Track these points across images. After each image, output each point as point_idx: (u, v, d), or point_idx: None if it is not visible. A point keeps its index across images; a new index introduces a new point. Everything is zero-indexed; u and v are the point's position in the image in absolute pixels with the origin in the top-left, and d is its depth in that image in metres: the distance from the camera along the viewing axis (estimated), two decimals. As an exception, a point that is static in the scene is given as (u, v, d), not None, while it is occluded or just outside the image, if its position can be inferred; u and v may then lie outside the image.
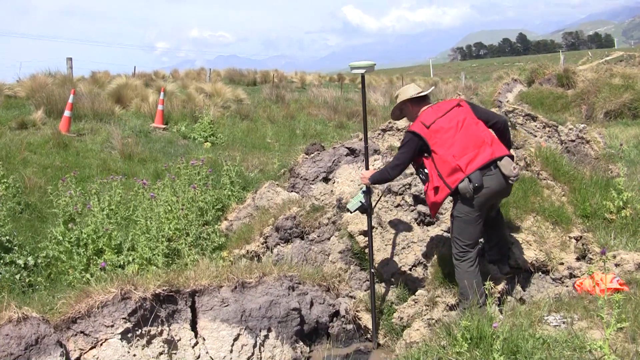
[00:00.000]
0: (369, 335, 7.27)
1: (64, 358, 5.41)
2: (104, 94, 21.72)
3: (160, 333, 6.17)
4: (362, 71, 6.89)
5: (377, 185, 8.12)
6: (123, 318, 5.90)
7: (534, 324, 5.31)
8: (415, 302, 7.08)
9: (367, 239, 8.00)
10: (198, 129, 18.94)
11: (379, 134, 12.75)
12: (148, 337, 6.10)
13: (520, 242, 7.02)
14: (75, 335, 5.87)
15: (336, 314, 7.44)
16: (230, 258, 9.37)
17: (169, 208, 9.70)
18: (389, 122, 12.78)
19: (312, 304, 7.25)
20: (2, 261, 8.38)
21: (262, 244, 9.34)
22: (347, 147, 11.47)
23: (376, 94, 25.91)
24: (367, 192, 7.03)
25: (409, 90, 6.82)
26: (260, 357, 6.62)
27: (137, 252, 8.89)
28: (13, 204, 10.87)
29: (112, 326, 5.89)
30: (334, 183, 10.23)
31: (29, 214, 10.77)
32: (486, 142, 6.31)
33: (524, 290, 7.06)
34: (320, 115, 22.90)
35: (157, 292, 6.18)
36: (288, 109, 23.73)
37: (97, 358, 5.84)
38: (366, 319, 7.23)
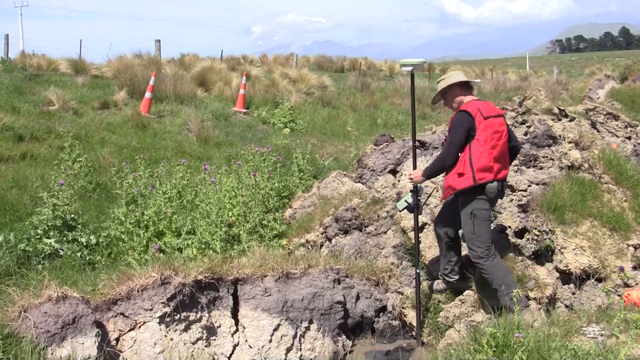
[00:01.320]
0: (413, 333, 7.12)
1: (100, 338, 5.47)
2: (188, 76, 22.03)
3: (199, 319, 6.18)
4: (410, 69, 6.80)
5: (429, 183, 7.97)
6: (162, 302, 5.94)
7: (570, 334, 5.06)
8: (462, 303, 6.89)
9: (419, 234, 7.85)
10: (278, 114, 18.98)
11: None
12: (186, 322, 6.12)
13: (574, 247, 6.73)
14: (115, 316, 5.94)
15: (383, 309, 7.31)
16: (290, 246, 9.34)
17: (231, 194, 9.73)
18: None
19: (358, 298, 7.15)
20: (65, 238, 8.57)
21: (322, 234, 9.27)
22: (417, 140, 11.27)
23: (464, 85, 25.40)
24: (415, 192, 6.88)
25: (459, 75, 6.82)
26: (300, 348, 6.56)
27: (196, 236, 8.97)
28: (85, 183, 11.12)
29: (151, 310, 5.94)
30: (401, 175, 10.06)
31: (98, 193, 11.00)
32: (508, 161, 6.68)
33: (574, 297, 6.76)
34: (404, 105, 22.63)
35: (198, 278, 6.19)
36: (372, 97, 23.54)
37: (135, 340, 5.90)
38: (411, 316, 7.08)
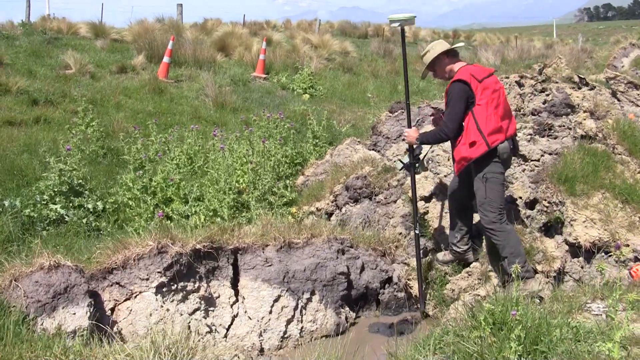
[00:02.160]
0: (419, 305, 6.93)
1: (92, 308, 5.34)
2: (208, 41, 21.81)
3: (197, 289, 6.04)
4: (398, 24, 6.61)
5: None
6: (158, 272, 5.80)
7: (573, 310, 4.84)
8: (469, 275, 6.69)
9: (427, 205, 7.63)
10: (297, 80, 18.74)
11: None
12: (184, 292, 5.98)
13: (584, 219, 6.46)
14: (111, 285, 5.81)
15: (389, 280, 7.12)
16: (299, 214, 9.17)
17: (242, 160, 9.55)
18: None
19: (363, 269, 6.96)
20: (71, 204, 8.45)
21: (332, 202, 9.08)
22: (433, 107, 10.99)
23: (487, 52, 24.91)
24: (411, 151, 6.68)
25: (443, 44, 6.65)
26: (301, 320, 6.41)
27: (204, 203, 8.82)
28: (96, 148, 10.99)
29: (147, 279, 5.80)
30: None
31: (110, 158, 10.87)
32: (512, 115, 6.51)
33: (584, 271, 6.52)
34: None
35: (196, 247, 6.03)
36: (393, 64, 23.16)
37: (131, 310, 5.78)
38: (417, 288, 6.88)
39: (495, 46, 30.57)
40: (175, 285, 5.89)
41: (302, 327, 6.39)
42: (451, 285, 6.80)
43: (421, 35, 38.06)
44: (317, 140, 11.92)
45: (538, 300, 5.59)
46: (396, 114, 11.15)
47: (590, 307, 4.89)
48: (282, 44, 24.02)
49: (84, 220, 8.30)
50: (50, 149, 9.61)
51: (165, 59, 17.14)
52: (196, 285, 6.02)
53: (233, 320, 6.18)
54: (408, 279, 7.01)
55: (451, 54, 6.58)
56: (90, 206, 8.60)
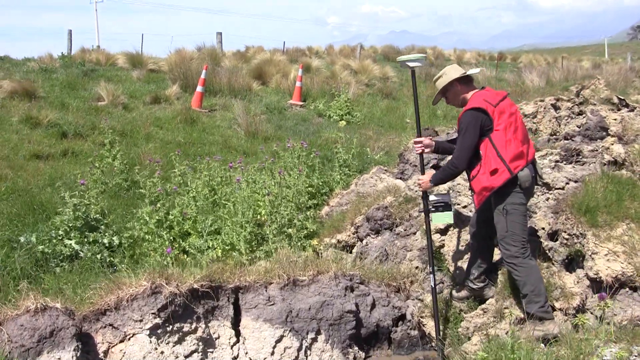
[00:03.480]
0: (433, 344, 6.56)
1: (78, 353, 5.13)
2: (245, 69, 21.78)
3: (195, 330, 5.80)
4: (412, 65, 6.29)
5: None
6: (152, 313, 5.58)
7: (584, 356, 4.45)
8: (484, 312, 6.31)
9: (443, 237, 7.31)
10: (334, 106, 18.54)
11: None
12: (180, 333, 5.75)
13: (606, 252, 6.03)
14: (104, 327, 5.62)
15: (402, 317, 6.78)
16: (320, 247, 8.91)
17: (263, 192, 9.34)
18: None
19: (373, 306, 6.63)
20: (86, 240, 8.33)
21: (353, 234, 8.81)
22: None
23: (532, 74, 24.38)
24: (425, 197, 6.35)
25: (456, 70, 6.30)
26: (306, 361, 6.11)
27: (220, 237, 8.62)
28: (120, 180, 10.90)
29: (141, 321, 5.58)
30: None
31: (133, 191, 10.76)
32: (529, 138, 6.17)
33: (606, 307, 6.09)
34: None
35: (194, 287, 5.79)
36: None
37: (124, 353, 5.56)
38: (430, 326, 6.53)
39: (541, 67, 29.98)
40: (171, 327, 5.67)
41: (307, 369, 6.10)
42: (466, 322, 6.43)
43: (466, 58, 37.65)
44: (346, 169, 11.67)
45: (543, 345, 5.21)
46: (438, 138, 10.83)
47: (602, 353, 4.49)
48: (321, 70, 23.90)
49: (99, 256, 8.15)
50: (67, 183, 9.52)
51: (199, 89, 17.11)
52: (193, 326, 5.78)
53: (233, 362, 5.93)
54: (421, 316, 6.66)
55: (465, 81, 6.27)
56: (105, 241, 8.46)
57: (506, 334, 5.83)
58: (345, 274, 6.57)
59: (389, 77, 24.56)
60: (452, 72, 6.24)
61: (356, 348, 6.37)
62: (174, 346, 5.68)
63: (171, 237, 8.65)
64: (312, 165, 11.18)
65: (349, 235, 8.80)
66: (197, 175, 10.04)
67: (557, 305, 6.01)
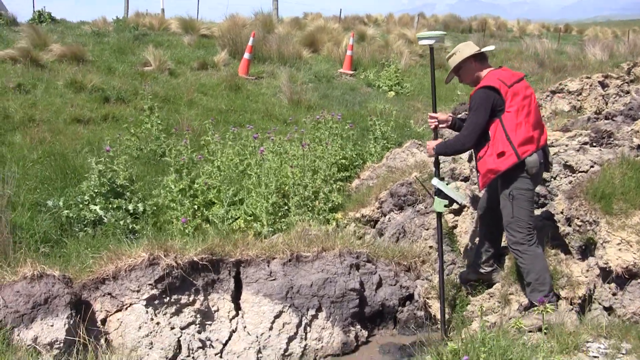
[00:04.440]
0: (439, 325, 6.43)
1: (72, 320, 5.19)
2: (298, 37, 21.66)
3: (193, 302, 5.80)
4: (431, 42, 6.02)
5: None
6: (149, 284, 5.60)
7: (567, 350, 4.29)
8: (491, 297, 6.16)
9: (457, 218, 7.16)
10: (384, 77, 18.31)
11: (548, 95, 11.52)
12: (177, 305, 5.75)
13: (619, 242, 5.78)
14: (103, 296, 5.66)
15: (409, 297, 6.66)
16: (344, 221, 8.84)
17: (293, 163, 9.29)
18: (560, 84, 11.50)
19: (380, 285, 6.53)
20: (110, 206, 8.42)
21: (378, 208, 8.70)
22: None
23: (595, 48, 23.65)
24: (437, 166, 6.18)
25: (470, 47, 6.06)
26: (305, 338, 6.06)
27: (241, 208, 8.62)
28: (155, 147, 10.97)
29: (138, 291, 5.61)
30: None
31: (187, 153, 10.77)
32: (544, 124, 5.95)
33: (615, 298, 5.86)
34: (523, 69, 21.31)
35: (193, 260, 5.79)
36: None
37: (121, 322, 5.61)
38: (436, 308, 6.40)
39: (606, 41, 29.05)
40: (168, 298, 5.68)
41: (305, 345, 6.05)
42: (471, 306, 6.30)
43: (529, 30, 36.71)
44: (384, 142, 11.53)
45: (539, 334, 5.06)
46: (459, 116, 10.62)
47: (589, 347, 4.33)
48: (375, 39, 23.62)
49: (121, 222, 8.24)
50: (101, 148, 9.55)
51: (246, 55, 17.09)
52: (191, 298, 5.79)
53: (231, 335, 5.92)
54: (427, 297, 6.54)
55: (479, 58, 6.02)
56: (130, 207, 8.55)
57: (509, 320, 5.71)
58: (351, 252, 6.48)
59: (445, 47, 24.10)
60: (466, 50, 6.01)
61: (359, 326, 6.29)
62: (170, 317, 5.70)
63: (195, 206, 8.69)
64: (346, 137, 11.07)
65: (373, 210, 8.71)
66: (228, 144, 10.02)
67: (562, 293, 5.83)
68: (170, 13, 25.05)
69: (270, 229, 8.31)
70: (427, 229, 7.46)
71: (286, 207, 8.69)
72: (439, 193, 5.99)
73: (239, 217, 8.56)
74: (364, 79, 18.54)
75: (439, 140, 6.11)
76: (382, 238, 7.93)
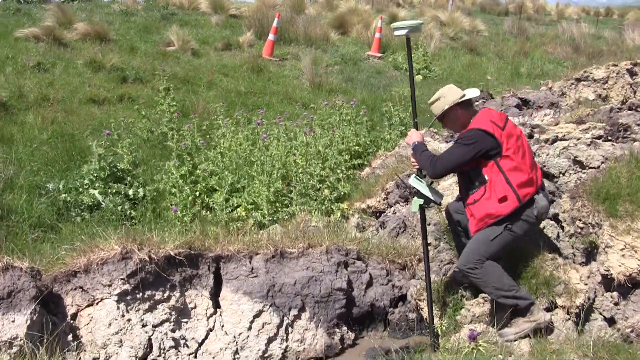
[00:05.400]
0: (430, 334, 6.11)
1: (35, 316, 5.01)
2: (328, 18, 21.31)
3: (167, 299, 5.59)
4: (403, 32, 5.61)
5: None
6: (121, 279, 5.39)
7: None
8: (485, 301, 5.83)
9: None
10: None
11: (572, 83, 11.08)
12: (151, 302, 5.55)
13: (622, 247, 5.42)
14: (74, 290, 5.48)
15: (402, 298, 6.36)
16: (350, 211, 8.57)
17: (301, 150, 9.05)
18: (584, 71, 11.05)
19: (370, 285, 6.24)
20: (109, 190, 8.26)
21: (384, 199, 8.40)
22: (519, 98, 10.04)
23: (634, 32, 22.89)
24: (420, 176, 5.82)
25: (454, 92, 5.66)
26: (286, 339, 5.82)
27: (242, 195, 8.40)
28: (166, 129, 10.77)
29: (110, 286, 5.42)
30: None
31: (178, 140, 10.62)
32: (536, 162, 5.77)
33: (617, 308, 5.51)
34: (557, 53, 20.71)
35: (169, 254, 5.57)
36: (524, 44, 21.62)
37: (92, 317, 5.43)
38: (426, 311, 6.11)
39: (648, 25, 28.15)
40: (141, 294, 5.48)
41: (286, 347, 5.81)
42: (465, 310, 5.98)
43: (567, 13, 35.72)
44: (403, 128, 11.21)
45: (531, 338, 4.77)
46: (477, 103, 10.27)
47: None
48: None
49: (119, 208, 8.08)
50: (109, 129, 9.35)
51: (270, 37, 16.81)
52: (166, 294, 5.57)
53: (208, 334, 5.70)
54: (419, 299, 6.22)
55: (465, 105, 5.64)
56: (130, 192, 8.38)
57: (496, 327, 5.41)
58: (340, 249, 6.19)
59: (479, 30, 23.55)
60: (449, 96, 5.63)
61: (345, 328, 6.02)
62: (143, 314, 5.50)
63: (196, 193, 8.49)
64: (360, 123, 10.78)
65: (379, 201, 8.41)
66: (238, 129, 9.77)
67: (558, 301, 5.49)
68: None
69: (270, 218, 8.08)
70: (429, 224, 7.15)
71: (290, 196, 8.44)
72: (417, 192, 5.66)
73: (239, 206, 8.34)
74: (391, 62, 18.14)
75: (420, 135, 5.76)
76: (382, 232, 7.64)
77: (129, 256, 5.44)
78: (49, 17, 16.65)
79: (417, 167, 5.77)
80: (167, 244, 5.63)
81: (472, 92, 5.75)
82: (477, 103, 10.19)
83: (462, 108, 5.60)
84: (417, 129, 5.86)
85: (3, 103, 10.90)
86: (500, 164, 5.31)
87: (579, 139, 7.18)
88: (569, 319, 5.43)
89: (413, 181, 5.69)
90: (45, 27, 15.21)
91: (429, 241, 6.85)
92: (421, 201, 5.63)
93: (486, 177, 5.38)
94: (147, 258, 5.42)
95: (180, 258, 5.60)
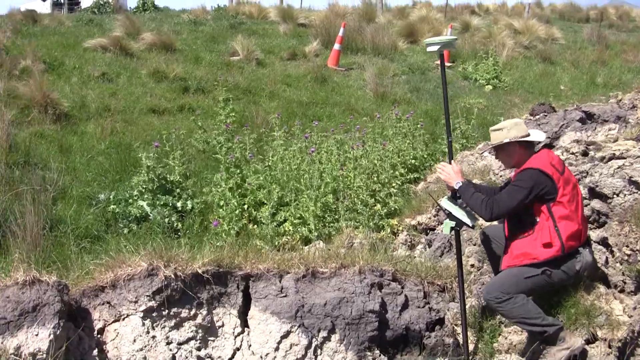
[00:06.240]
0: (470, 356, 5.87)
1: (58, 331, 4.99)
2: (398, 27, 21.11)
3: (194, 317, 5.49)
4: (436, 48, 5.37)
5: None
6: (147, 295, 5.33)
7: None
8: (523, 330, 5.55)
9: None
10: (481, 69, 17.55)
11: (642, 95, 10.58)
12: (177, 319, 5.46)
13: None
14: (102, 304, 5.45)
15: (440, 321, 6.12)
16: (400, 227, 8.38)
17: (355, 164, 8.93)
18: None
19: (405, 307, 6.00)
20: (157, 202, 8.30)
21: (434, 216, 8.18)
22: (582, 111, 9.62)
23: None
24: (453, 198, 5.60)
25: (519, 128, 5.41)
26: (314, 361, 5.66)
27: (289, 210, 8.30)
28: (222, 140, 10.76)
29: (136, 302, 5.36)
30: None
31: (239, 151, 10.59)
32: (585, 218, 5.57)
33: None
34: (637, 62, 20.00)
35: (198, 271, 5.50)
36: (602, 52, 20.94)
37: (118, 333, 5.39)
38: (462, 337, 5.87)
39: None
40: (167, 311, 5.41)
41: (315, 369, 5.66)
42: (502, 338, 5.72)
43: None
44: (464, 141, 10.99)
45: None
46: (537, 117, 9.92)
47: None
48: (480, 29, 22.75)
49: (166, 220, 8.10)
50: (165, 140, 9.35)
51: (336, 46, 16.74)
52: (192, 312, 5.48)
53: (234, 353, 5.60)
54: (456, 324, 5.99)
55: (526, 145, 5.40)
56: (179, 204, 8.40)
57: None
58: (374, 269, 5.99)
59: (555, 38, 22.93)
60: (513, 130, 5.37)
61: (377, 351, 5.80)
62: (169, 331, 5.43)
63: (244, 206, 8.42)
64: (418, 136, 10.58)
65: (429, 218, 8.19)
66: (289, 141, 9.69)
67: (599, 333, 5.19)
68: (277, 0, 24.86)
69: (317, 233, 7.97)
70: (475, 244, 6.91)
71: (338, 211, 8.31)
72: (449, 214, 5.45)
73: (286, 220, 8.25)
74: (460, 72, 17.83)
75: (459, 170, 5.54)
76: (428, 250, 7.43)
77: (155, 273, 5.38)
78: (118, 27, 16.99)
79: (450, 188, 5.57)
80: (195, 261, 5.56)
81: (538, 136, 5.49)
82: (537, 116, 9.84)
83: (521, 146, 5.38)
84: (451, 151, 5.65)
85: (65, 113, 11.12)
86: (553, 210, 5.11)
87: (637, 157, 6.82)
88: (611, 352, 5.12)
89: (445, 203, 5.50)
90: (113, 37, 15.52)
91: (471, 262, 6.63)
92: (452, 223, 5.44)
93: (537, 219, 5.19)
94: (172, 275, 5.35)
95: (208, 276, 5.52)
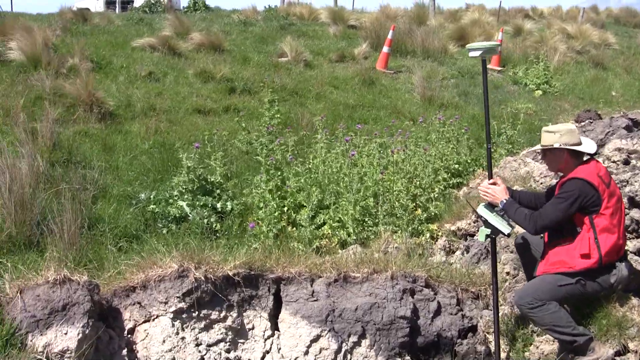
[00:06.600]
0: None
1: (87, 330, 5.00)
2: (449, 30, 20.90)
3: (224, 319, 5.48)
4: (478, 54, 5.23)
5: None
6: (177, 297, 5.33)
7: None
8: (555, 340, 5.42)
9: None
10: (531, 74, 17.26)
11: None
12: (207, 321, 5.46)
13: None
14: (133, 305, 5.47)
15: (473, 329, 6.00)
16: (439, 233, 8.25)
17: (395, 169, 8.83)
18: None
19: (438, 313, 5.89)
20: (197, 203, 8.30)
21: (474, 222, 8.05)
22: (629, 118, 9.37)
23: None
24: (490, 205, 5.49)
25: (571, 135, 5.28)
26: (345, 366, 5.59)
27: (328, 213, 8.23)
28: (266, 141, 10.74)
29: (166, 303, 5.36)
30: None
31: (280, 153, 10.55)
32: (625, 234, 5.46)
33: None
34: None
35: (229, 274, 5.47)
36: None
37: (148, 333, 5.40)
38: (493, 345, 5.75)
39: None
40: (197, 313, 5.40)
41: (345, 374, 5.60)
42: (533, 347, 5.59)
43: None
44: (510, 146, 10.80)
45: None
46: (583, 123, 9.68)
47: None
48: (533, 33, 22.40)
49: (205, 221, 8.09)
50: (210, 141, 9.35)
51: (385, 49, 16.62)
52: (222, 314, 5.47)
53: (264, 356, 5.57)
54: (488, 332, 5.87)
55: (575, 155, 5.30)
56: (218, 205, 8.39)
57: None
58: (406, 275, 5.90)
59: (609, 43, 22.45)
60: (565, 136, 5.27)
61: (408, 357, 5.73)
62: (199, 333, 5.42)
63: (283, 208, 8.38)
64: (462, 141, 10.42)
65: (469, 224, 8.06)
66: (331, 144, 9.61)
67: (630, 345, 5.06)
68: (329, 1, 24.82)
69: (355, 237, 7.89)
70: (512, 252, 6.76)
71: (378, 214, 8.22)
72: (485, 221, 5.34)
73: (325, 223, 8.19)
74: (511, 76, 17.57)
75: (504, 189, 5.49)
76: (466, 256, 7.30)
77: (185, 274, 5.38)
78: (167, 27, 17.11)
79: (488, 197, 5.46)
80: (227, 263, 5.54)
81: (589, 147, 5.34)
82: (583, 123, 9.61)
83: (569, 154, 5.28)
84: (490, 160, 5.54)
85: (110, 112, 11.22)
86: (595, 222, 5.03)
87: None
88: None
89: (481, 210, 5.40)
90: (162, 37, 15.64)
91: (507, 270, 6.50)
92: (488, 231, 5.34)
93: (578, 229, 5.12)
94: (202, 277, 5.34)
95: (238, 279, 5.49)
